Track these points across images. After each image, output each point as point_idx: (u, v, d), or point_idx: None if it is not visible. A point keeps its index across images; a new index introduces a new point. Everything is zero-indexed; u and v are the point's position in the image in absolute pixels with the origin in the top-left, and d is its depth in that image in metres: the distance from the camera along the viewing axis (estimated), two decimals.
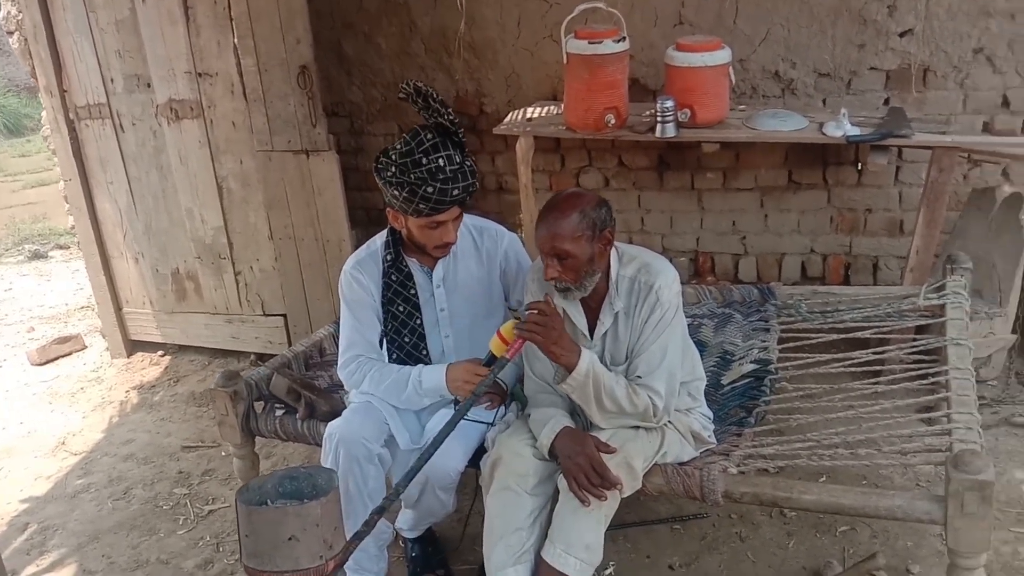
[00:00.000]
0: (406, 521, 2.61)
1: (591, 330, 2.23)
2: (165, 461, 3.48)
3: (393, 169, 2.22)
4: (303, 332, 3.84)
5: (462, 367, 2.33)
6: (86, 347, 4.68)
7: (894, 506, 1.97)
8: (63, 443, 3.72)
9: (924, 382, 2.42)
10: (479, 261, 2.47)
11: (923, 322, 2.73)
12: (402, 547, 2.69)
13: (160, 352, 4.39)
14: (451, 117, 2.23)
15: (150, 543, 2.97)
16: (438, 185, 2.18)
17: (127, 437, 3.70)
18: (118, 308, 4.34)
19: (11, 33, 4.16)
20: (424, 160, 2.18)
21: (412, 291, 2.41)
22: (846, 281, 3.80)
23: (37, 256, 7.66)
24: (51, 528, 3.12)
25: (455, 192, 2.20)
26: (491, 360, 2.20)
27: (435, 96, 2.22)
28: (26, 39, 3.94)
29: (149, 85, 3.78)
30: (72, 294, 5.62)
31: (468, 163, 2.25)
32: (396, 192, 2.22)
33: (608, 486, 2.06)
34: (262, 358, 3.94)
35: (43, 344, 4.65)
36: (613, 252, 2.19)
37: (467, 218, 2.48)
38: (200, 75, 3.67)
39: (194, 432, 3.66)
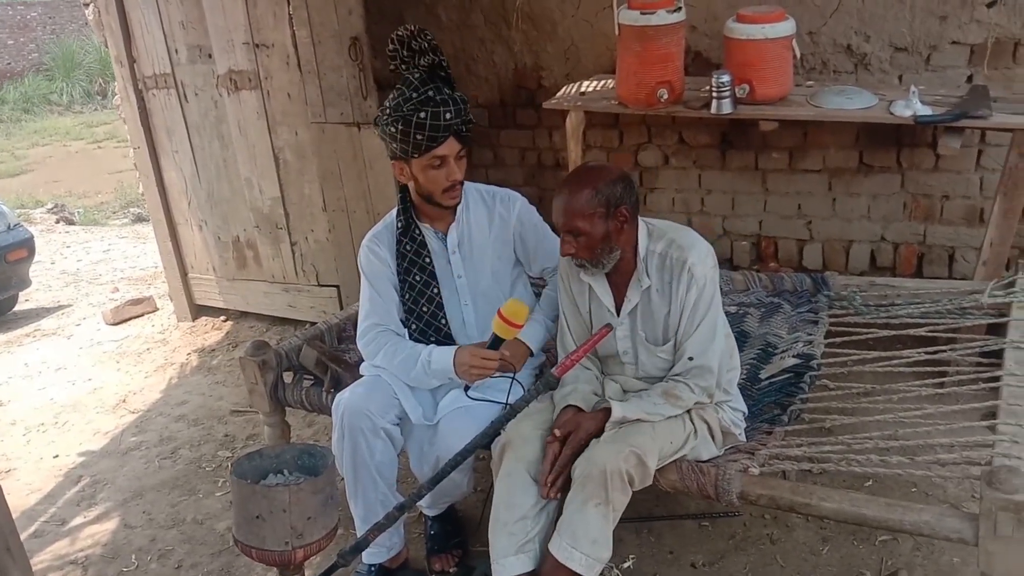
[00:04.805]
0: (424, 499, 2.58)
1: (618, 307, 2.15)
2: (214, 424, 3.58)
3: (387, 112, 2.24)
4: (355, 303, 3.86)
5: (468, 351, 2.28)
6: (157, 309, 4.87)
7: (920, 521, 1.81)
8: (124, 400, 3.88)
9: (976, 388, 2.22)
10: (493, 226, 2.43)
11: (988, 321, 2.51)
12: (423, 524, 2.68)
13: (223, 317, 4.52)
14: (434, 47, 2.23)
15: (188, 503, 3.06)
16: (430, 109, 2.18)
17: (182, 398, 3.83)
18: (184, 274, 4.49)
19: (87, 5, 4.31)
20: (414, 94, 2.20)
21: (427, 259, 2.38)
22: (919, 273, 3.54)
23: (139, 219, 7.98)
24: (101, 482, 3.26)
25: (447, 116, 2.19)
26: (495, 342, 2.15)
27: (425, 35, 2.23)
28: (99, 11, 4.07)
29: (210, 56, 3.85)
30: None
31: (458, 95, 2.24)
32: (392, 130, 2.22)
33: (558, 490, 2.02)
34: None
35: (118, 304, 4.86)
36: (642, 227, 2.12)
37: (478, 185, 2.46)
38: (257, 46, 3.71)
39: (244, 397, 3.72)
